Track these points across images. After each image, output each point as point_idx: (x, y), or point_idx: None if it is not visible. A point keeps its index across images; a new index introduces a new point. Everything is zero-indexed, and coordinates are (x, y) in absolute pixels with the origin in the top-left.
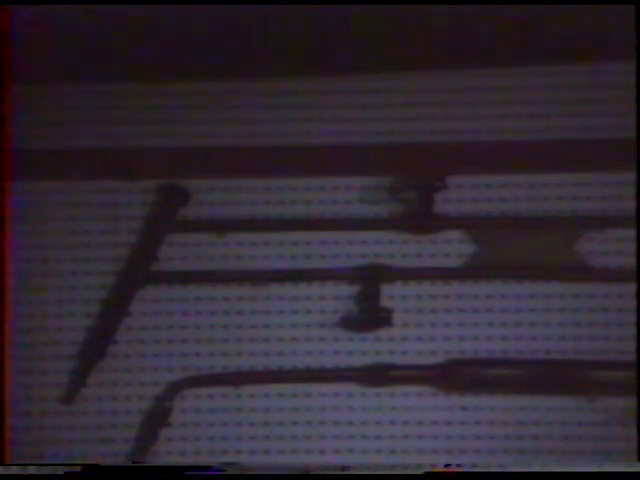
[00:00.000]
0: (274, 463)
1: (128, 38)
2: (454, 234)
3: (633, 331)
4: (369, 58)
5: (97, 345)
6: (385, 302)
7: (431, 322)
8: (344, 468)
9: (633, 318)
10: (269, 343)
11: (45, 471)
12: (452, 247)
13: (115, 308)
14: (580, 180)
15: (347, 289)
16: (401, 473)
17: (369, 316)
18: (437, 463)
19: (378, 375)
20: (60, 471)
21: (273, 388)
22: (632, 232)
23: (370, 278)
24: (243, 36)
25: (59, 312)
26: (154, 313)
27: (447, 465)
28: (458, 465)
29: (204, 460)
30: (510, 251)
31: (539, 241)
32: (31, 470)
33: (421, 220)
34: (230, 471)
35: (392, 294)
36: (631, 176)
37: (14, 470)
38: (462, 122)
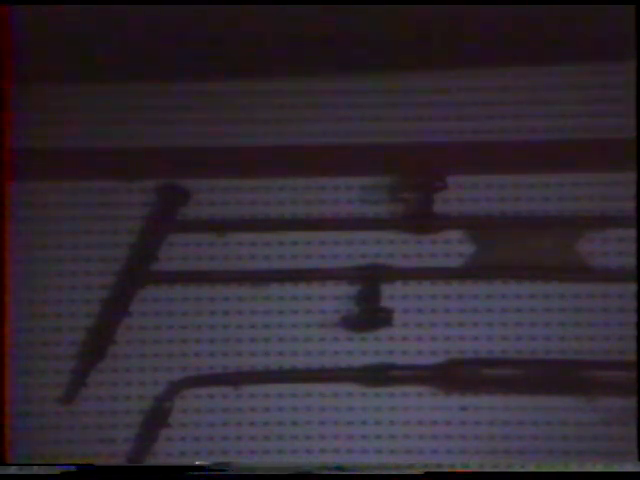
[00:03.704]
0: (274, 463)
1: (128, 38)
2: (454, 234)
3: (633, 331)
4: (369, 58)
5: (97, 345)
6: (385, 302)
7: (431, 322)
8: (343, 468)
9: (633, 318)
10: (269, 343)
11: (45, 471)
12: (452, 247)
13: (115, 308)
14: (580, 180)
15: (347, 289)
16: (401, 473)
17: (369, 316)
18: (437, 463)
19: (378, 375)
20: (59, 471)
21: (273, 388)
22: (632, 232)
23: (370, 278)
24: (243, 37)
25: (59, 312)
26: (154, 313)
27: (447, 465)
28: (458, 465)
29: (204, 460)
30: (510, 251)
31: (539, 241)
32: (31, 470)
33: (421, 220)
34: (229, 471)
35: (392, 294)
36: (631, 176)
37: (14, 470)
38: (462, 122)
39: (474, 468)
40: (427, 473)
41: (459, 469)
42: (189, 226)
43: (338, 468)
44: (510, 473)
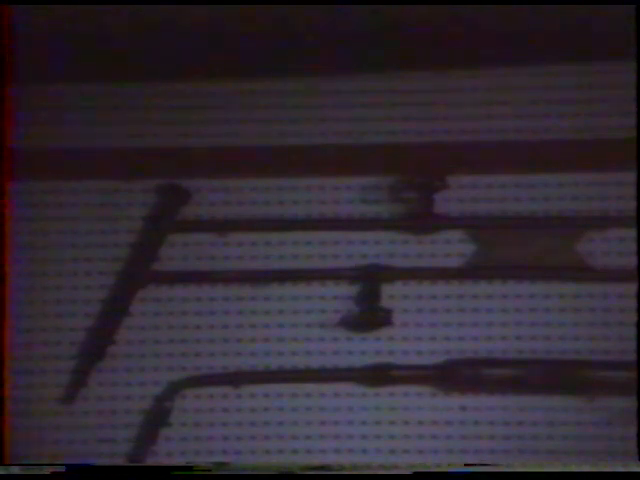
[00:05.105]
0: (274, 463)
1: (128, 38)
2: (454, 234)
3: (633, 331)
4: (369, 58)
5: (97, 345)
6: (385, 302)
7: (431, 322)
8: (342, 468)
9: (633, 318)
10: (269, 343)
11: (44, 471)
12: (452, 247)
13: (115, 308)
14: (580, 180)
15: (347, 289)
16: (399, 473)
17: (369, 316)
18: (436, 463)
19: (378, 375)
20: (58, 471)
21: (273, 388)
22: (632, 232)
23: (370, 278)
24: (243, 37)
25: (59, 312)
26: (154, 313)
27: (446, 465)
28: (456, 465)
29: (204, 460)
30: (510, 251)
31: (539, 241)
32: (31, 470)
33: (421, 220)
34: (228, 471)
35: (392, 294)
36: (631, 176)
37: (14, 470)
38: (462, 122)
39: (472, 468)
40: (425, 473)
41: (457, 469)
42: (189, 226)
43: (335, 468)
44: (510, 473)
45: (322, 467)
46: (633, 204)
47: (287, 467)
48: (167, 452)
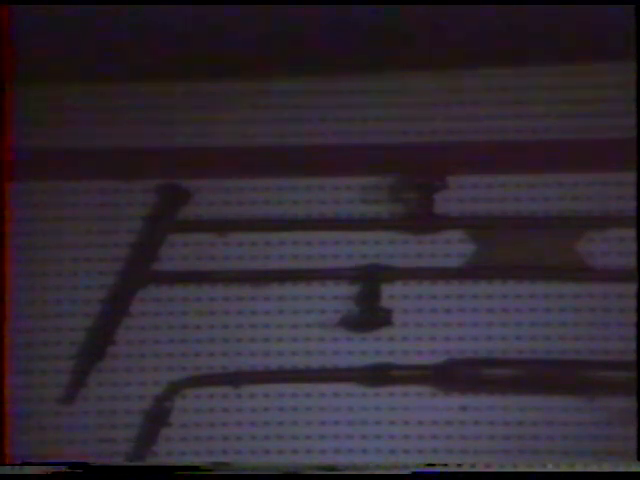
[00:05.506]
0: (274, 463)
1: (127, 38)
2: (454, 234)
3: (633, 331)
4: (369, 58)
5: (97, 345)
6: (385, 302)
7: (431, 322)
8: (342, 468)
9: (633, 318)
10: (269, 343)
11: (45, 471)
12: (452, 247)
13: (115, 308)
14: (580, 180)
15: (347, 289)
16: (398, 473)
17: (369, 316)
18: (436, 463)
19: (378, 375)
20: (58, 471)
21: (273, 388)
22: (632, 232)
23: (370, 278)
24: (243, 37)
25: (59, 312)
26: (154, 313)
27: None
28: (457, 465)
29: (203, 460)
30: (510, 251)
31: (539, 241)
32: (31, 470)
33: (421, 220)
34: (228, 471)
35: (392, 294)
36: (631, 176)
37: (14, 470)
38: (462, 122)
39: (472, 468)
40: (425, 473)
41: (457, 469)
42: (189, 226)
43: (335, 468)
44: (510, 473)
45: (323, 467)
46: (633, 204)
47: (287, 467)
48: (167, 452)
